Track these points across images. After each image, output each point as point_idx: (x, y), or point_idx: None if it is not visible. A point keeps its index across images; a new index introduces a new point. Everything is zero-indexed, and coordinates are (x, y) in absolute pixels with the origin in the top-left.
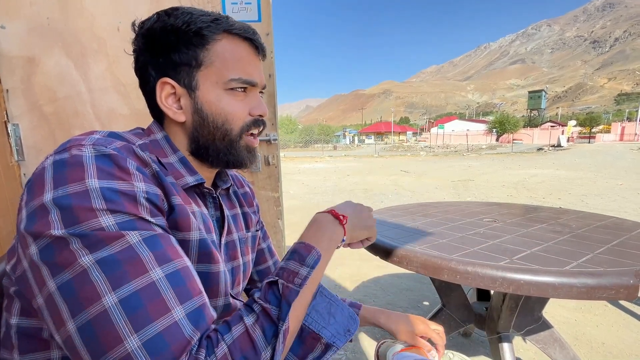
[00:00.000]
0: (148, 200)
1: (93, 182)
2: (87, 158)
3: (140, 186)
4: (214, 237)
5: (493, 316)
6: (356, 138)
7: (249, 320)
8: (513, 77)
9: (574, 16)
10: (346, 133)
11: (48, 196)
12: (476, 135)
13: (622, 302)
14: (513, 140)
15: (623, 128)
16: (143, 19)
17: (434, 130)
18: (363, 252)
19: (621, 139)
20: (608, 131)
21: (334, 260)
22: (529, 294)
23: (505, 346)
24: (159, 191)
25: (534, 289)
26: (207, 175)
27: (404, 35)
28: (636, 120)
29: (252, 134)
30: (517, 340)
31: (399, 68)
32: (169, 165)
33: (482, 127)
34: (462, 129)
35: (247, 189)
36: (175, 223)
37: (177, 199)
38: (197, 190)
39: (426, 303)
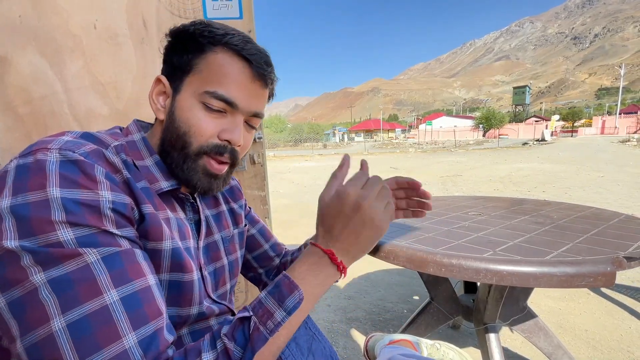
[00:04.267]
0: (114, 210)
1: (54, 191)
2: (51, 164)
3: (106, 195)
4: (191, 243)
5: (480, 308)
6: (346, 136)
7: (206, 357)
8: (498, 73)
9: (555, 13)
10: (336, 131)
11: (5, 202)
12: (463, 131)
13: (604, 290)
14: (499, 135)
15: (604, 122)
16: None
17: (422, 127)
18: None
19: (602, 132)
20: (589, 125)
21: None
22: (512, 284)
23: (492, 336)
24: (128, 200)
25: (516, 279)
26: None
27: (391, 33)
28: (616, 114)
29: (216, 159)
30: (504, 331)
31: (387, 66)
32: (144, 168)
33: (469, 123)
34: (450, 125)
35: (233, 184)
36: (146, 232)
37: (149, 208)
38: (173, 195)
39: (416, 297)
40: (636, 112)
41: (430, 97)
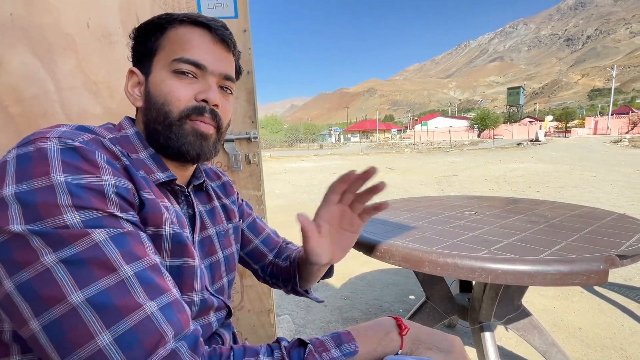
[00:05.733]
0: (117, 194)
1: (58, 177)
2: (53, 151)
3: (109, 180)
4: (188, 233)
5: (475, 306)
6: (342, 136)
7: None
8: (492, 74)
9: (549, 15)
10: (332, 131)
11: (8, 190)
12: (459, 131)
13: (597, 289)
14: (494, 135)
15: (596, 122)
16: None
17: (417, 127)
18: None
19: (595, 133)
20: (582, 125)
21: None
22: (507, 283)
23: (487, 335)
24: (129, 185)
25: (511, 278)
26: (180, 173)
27: (387, 34)
28: (608, 114)
29: (200, 120)
30: (499, 329)
31: (382, 66)
32: (139, 161)
33: (464, 123)
34: (445, 126)
35: (225, 179)
36: (146, 218)
37: (148, 193)
38: (168, 187)
39: (412, 297)
40: (628, 113)
41: (425, 97)
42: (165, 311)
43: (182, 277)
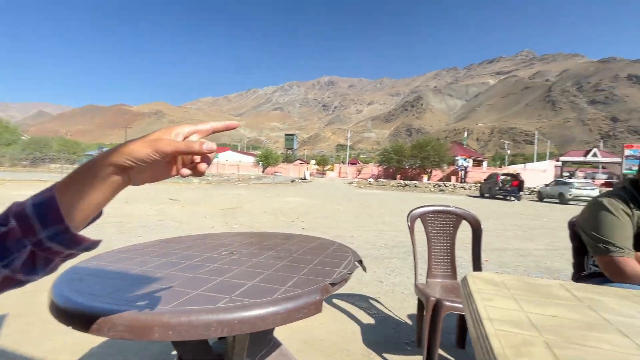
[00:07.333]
0: None
1: None
2: None
3: None
4: None
5: (229, 353)
6: None
7: None
8: (275, 120)
9: (312, 84)
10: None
11: None
12: (247, 166)
13: (335, 301)
14: (275, 172)
15: (340, 168)
16: None
17: None
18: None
19: (339, 176)
20: (332, 170)
21: None
22: (242, 332)
23: None
24: None
25: (246, 326)
26: None
27: (180, 60)
28: (346, 163)
29: None
30: None
31: (174, 91)
32: None
33: (252, 159)
34: (235, 160)
35: None
36: None
37: None
38: None
39: (174, 353)
40: (356, 164)
41: None
42: None
43: None
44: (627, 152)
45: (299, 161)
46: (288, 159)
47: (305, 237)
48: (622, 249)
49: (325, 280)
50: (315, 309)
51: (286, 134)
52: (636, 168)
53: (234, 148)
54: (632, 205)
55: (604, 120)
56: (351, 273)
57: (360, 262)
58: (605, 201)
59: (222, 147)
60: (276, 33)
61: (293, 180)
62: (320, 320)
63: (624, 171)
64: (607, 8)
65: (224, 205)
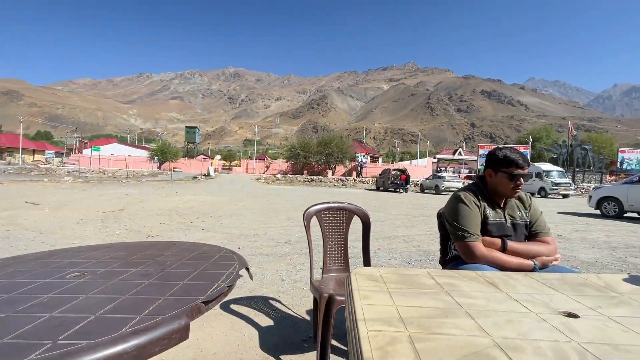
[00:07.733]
0: None
1: None
2: None
3: None
4: None
5: None
6: None
7: None
8: (174, 110)
9: (217, 75)
10: None
11: None
12: (139, 161)
13: (232, 306)
14: (173, 168)
15: (247, 163)
16: None
17: (87, 151)
18: None
19: (246, 172)
20: (239, 165)
21: None
22: None
23: None
24: None
25: None
26: None
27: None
28: (254, 159)
29: None
30: None
31: (35, 68)
32: None
33: (145, 153)
34: (124, 154)
35: None
36: None
37: None
38: None
39: None
40: (264, 159)
41: (100, 119)
42: None
43: None
44: (481, 151)
45: (202, 156)
46: (189, 154)
47: (190, 245)
48: (473, 235)
49: (198, 298)
50: (180, 337)
51: (187, 127)
52: None
53: (122, 140)
54: (480, 197)
55: (466, 125)
56: (231, 285)
57: (247, 269)
58: (462, 195)
59: (106, 139)
60: (171, 16)
61: (195, 177)
62: (216, 330)
63: (479, 167)
64: (466, 32)
65: (106, 208)
